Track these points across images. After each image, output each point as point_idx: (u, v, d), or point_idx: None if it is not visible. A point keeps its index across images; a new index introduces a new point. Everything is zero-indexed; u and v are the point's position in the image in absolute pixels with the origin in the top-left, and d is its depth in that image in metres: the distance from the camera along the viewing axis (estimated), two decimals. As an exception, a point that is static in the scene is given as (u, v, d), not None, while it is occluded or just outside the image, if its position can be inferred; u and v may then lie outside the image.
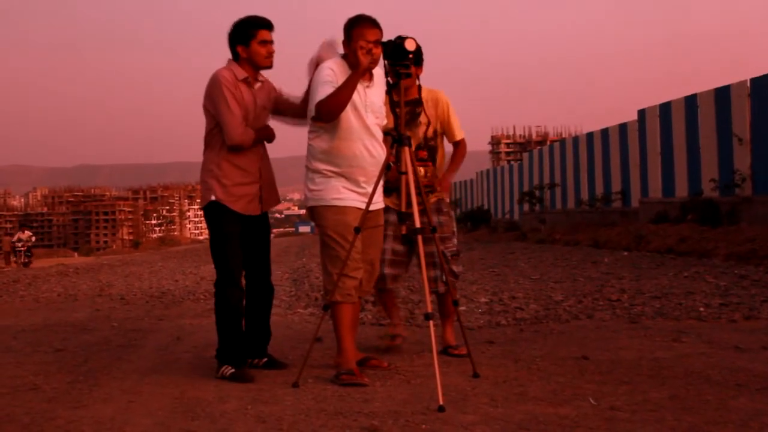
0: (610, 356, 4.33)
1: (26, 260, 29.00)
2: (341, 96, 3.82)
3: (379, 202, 4.10)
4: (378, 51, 3.89)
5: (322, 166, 3.98)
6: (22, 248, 29.61)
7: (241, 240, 4.17)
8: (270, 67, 4.22)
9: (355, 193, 3.96)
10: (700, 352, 4.39)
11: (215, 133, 4.16)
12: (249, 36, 4.14)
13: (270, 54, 4.17)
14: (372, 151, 3.96)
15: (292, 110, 4.36)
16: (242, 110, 4.10)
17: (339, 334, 3.97)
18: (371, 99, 3.98)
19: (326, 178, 3.97)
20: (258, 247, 4.28)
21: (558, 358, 4.31)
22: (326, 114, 3.85)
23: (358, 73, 3.84)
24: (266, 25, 4.18)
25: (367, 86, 3.97)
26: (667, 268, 9.55)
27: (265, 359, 4.30)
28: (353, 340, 4.03)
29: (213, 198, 4.10)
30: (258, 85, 4.21)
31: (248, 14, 4.27)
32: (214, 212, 4.14)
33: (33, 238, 32.29)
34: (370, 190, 3.94)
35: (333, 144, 3.94)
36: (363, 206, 3.93)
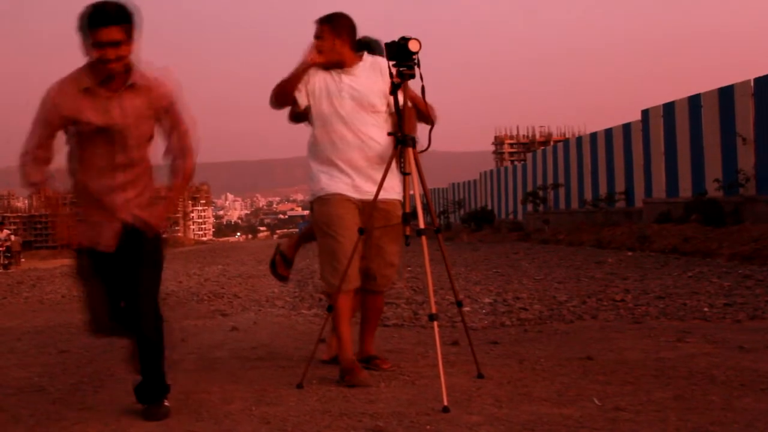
0: (615, 356, 4.33)
1: (6, 262, 25.31)
2: (281, 83, 4.05)
3: (390, 192, 4.05)
4: (320, 44, 4.01)
5: (312, 163, 4.12)
6: (0, 249, 25.56)
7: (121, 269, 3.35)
8: (113, 75, 3.20)
9: (341, 181, 4.01)
10: (704, 352, 4.38)
11: (70, 155, 3.39)
12: (86, 35, 3.16)
13: (107, 59, 3.12)
14: (347, 137, 4.02)
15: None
16: (88, 128, 3.24)
17: (336, 326, 4.02)
18: (349, 85, 4.04)
19: (315, 173, 4.09)
20: (131, 278, 3.33)
21: (562, 359, 4.31)
22: (271, 98, 4.11)
23: (299, 65, 4.03)
24: (105, 20, 3.09)
25: (343, 73, 4.06)
26: (671, 269, 9.54)
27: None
28: (351, 333, 4.03)
29: (77, 245, 3.36)
30: (126, 92, 3.26)
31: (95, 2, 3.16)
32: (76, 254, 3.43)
33: (12, 237, 28.10)
34: (358, 179, 3.99)
35: (315, 136, 4.10)
36: (352, 195, 3.98)
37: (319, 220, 4.02)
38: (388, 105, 4.07)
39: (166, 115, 3.39)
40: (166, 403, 3.37)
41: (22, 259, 29.10)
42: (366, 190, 4.01)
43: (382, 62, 4.05)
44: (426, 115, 4.12)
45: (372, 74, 4.08)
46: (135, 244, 3.33)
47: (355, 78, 4.06)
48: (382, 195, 3.97)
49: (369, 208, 3.98)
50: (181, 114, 3.42)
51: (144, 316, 3.32)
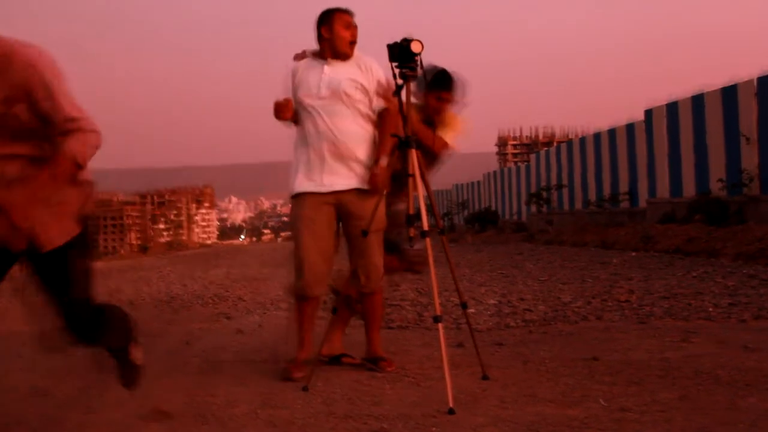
0: (620, 357, 4.33)
1: None
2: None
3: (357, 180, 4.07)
4: (284, 103, 4.08)
5: (294, 156, 4.20)
6: None
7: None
8: None
9: (312, 177, 4.08)
10: (709, 352, 4.38)
11: None
12: None
13: None
14: (320, 128, 4.07)
15: None
16: None
17: (296, 328, 4.20)
18: (329, 75, 4.09)
19: (293, 169, 4.18)
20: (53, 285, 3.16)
21: (567, 360, 4.31)
22: None
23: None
24: None
25: (327, 64, 4.11)
26: (675, 269, 9.53)
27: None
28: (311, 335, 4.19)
29: None
30: None
31: None
32: None
33: None
34: (329, 172, 4.05)
35: (297, 129, 4.20)
36: (323, 191, 4.04)
37: (290, 219, 4.19)
38: (367, 94, 4.11)
39: (36, 86, 2.66)
40: (134, 352, 3.38)
41: None
42: (337, 182, 4.06)
43: (368, 60, 4.11)
44: (428, 148, 4.16)
45: (352, 66, 4.12)
46: (57, 256, 3.03)
47: (340, 69, 4.11)
48: (349, 183, 4.05)
49: (346, 201, 4.06)
50: (57, 85, 2.70)
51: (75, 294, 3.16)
